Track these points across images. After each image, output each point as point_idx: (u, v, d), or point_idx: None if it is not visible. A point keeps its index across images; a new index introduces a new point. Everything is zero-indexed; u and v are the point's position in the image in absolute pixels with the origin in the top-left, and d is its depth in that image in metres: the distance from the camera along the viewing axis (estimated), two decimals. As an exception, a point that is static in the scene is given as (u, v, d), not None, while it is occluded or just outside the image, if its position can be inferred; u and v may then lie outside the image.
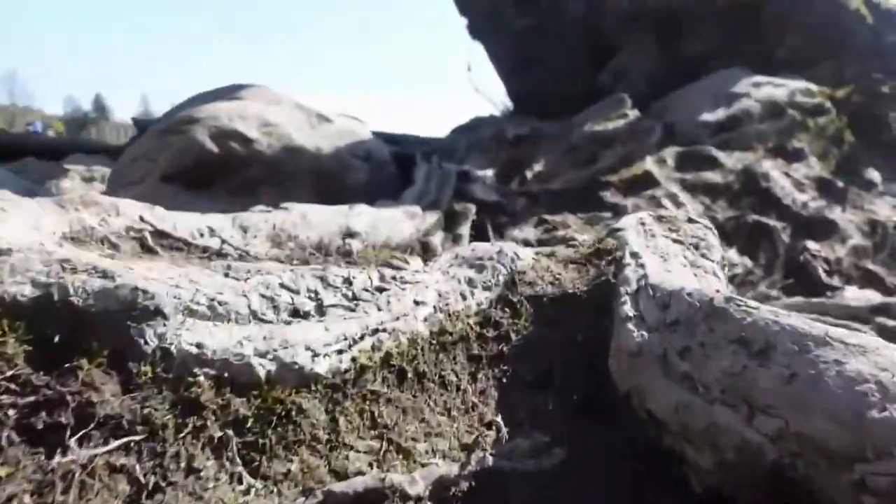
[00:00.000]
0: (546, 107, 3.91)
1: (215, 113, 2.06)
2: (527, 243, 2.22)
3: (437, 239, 1.88)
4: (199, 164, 1.97)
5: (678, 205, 2.28)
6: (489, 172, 2.80)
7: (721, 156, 2.60)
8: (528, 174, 2.83)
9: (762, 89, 2.88)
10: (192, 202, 2.00)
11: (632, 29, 3.86)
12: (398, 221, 1.74)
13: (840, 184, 2.54)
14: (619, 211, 2.30)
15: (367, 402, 0.84)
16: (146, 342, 0.71)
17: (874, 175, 2.72)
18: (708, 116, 2.77)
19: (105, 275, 0.74)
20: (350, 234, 1.54)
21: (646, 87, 3.75)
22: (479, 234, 2.09)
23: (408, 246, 1.79)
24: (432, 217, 1.92)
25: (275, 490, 0.73)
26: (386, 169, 2.16)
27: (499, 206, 2.27)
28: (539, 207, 2.36)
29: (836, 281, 2.16)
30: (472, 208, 2.03)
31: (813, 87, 2.95)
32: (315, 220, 1.47)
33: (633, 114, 3.24)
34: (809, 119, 2.81)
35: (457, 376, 0.93)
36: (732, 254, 2.22)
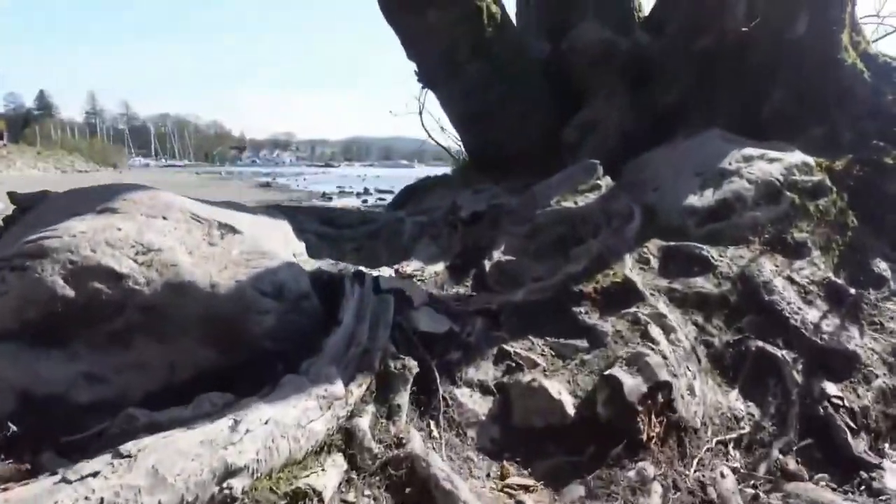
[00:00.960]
0: (506, 162, 3.48)
1: (73, 241, 1.55)
2: (484, 389, 1.78)
3: (365, 421, 1.42)
4: (49, 315, 1.46)
5: (667, 330, 1.86)
6: (440, 266, 2.35)
7: (713, 254, 2.19)
8: (487, 264, 2.39)
9: (754, 165, 2.49)
10: (40, 364, 1.50)
11: (601, 75, 3.45)
12: (306, 420, 1.27)
13: (851, 290, 2.16)
14: (595, 338, 1.87)
15: None
16: None
17: (883, 267, 2.36)
18: (695, 200, 2.36)
19: None
20: (231, 472, 1.07)
21: (616, 143, 3.34)
22: (422, 389, 1.64)
23: (323, 445, 1.32)
24: (359, 389, 1.45)
25: None
26: (304, 305, 1.68)
27: (451, 337, 1.82)
28: (500, 329, 1.93)
29: (863, 440, 1.78)
30: (413, 367, 1.57)
31: (810, 160, 2.57)
32: (175, 469, 1.00)
33: (606, 183, 2.82)
34: (809, 202, 2.43)
35: None
36: (736, 401, 1.81)
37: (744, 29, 3.41)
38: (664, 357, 1.72)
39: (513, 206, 2.76)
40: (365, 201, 22.69)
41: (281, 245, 1.96)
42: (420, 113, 3.72)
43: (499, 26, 3.29)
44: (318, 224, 2.60)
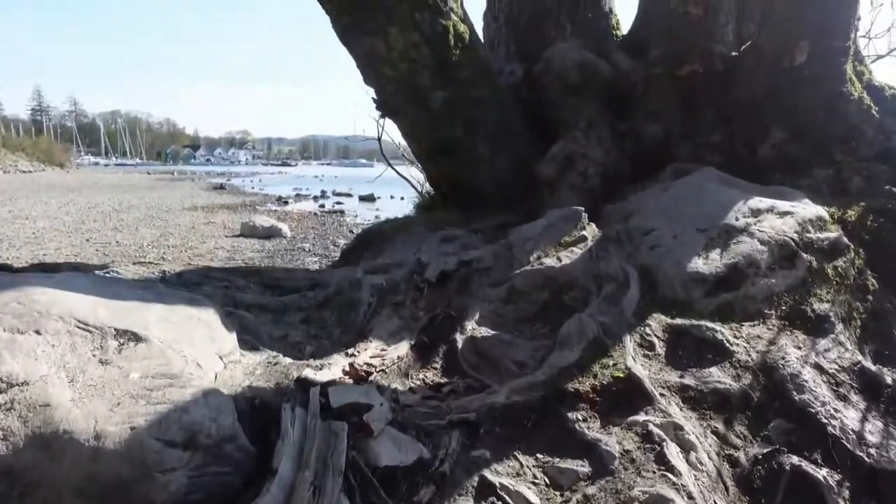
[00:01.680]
0: (475, 198, 3.11)
1: None
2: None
3: None
4: None
5: (686, 448, 1.52)
6: (403, 347, 1.96)
7: (727, 336, 1.86)
8: (459, 340, 2.02)
9: (764, 221, 2.16)
10: None
11: (579, 103, 3.10)
12: None
13: (888, 379, 1.84)
14: (599, 460, 1.51)
15: None
16: None
17: (908, 338, 2.07)
18: (701, 265, 2.02)
19: None
20: None
21: (598, 180, 3.00)
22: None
23: None
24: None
25: None
26: (227, 451, 1.28)
27: (420, 468, 1.44)
28: (480, 444, 1.56)
29: None
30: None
31: (824, 213, 2.26)
32: None
33: (591, 232, 2.47)
34: (827, 263, 2.12)
35: None
36: (775, 543, 1.48)
37: (734, 54, 3.11)
38: (689, 497, 1.36)
39: (486, 261, 2.39)
40: (322, 206, 22.14)
41: (203, 347, 1.55)
42: (379, 140, 3.30)
43: (467, 48, 2.90)
44: (259, 292, 2.19)
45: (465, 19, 2.98)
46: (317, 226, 15.09)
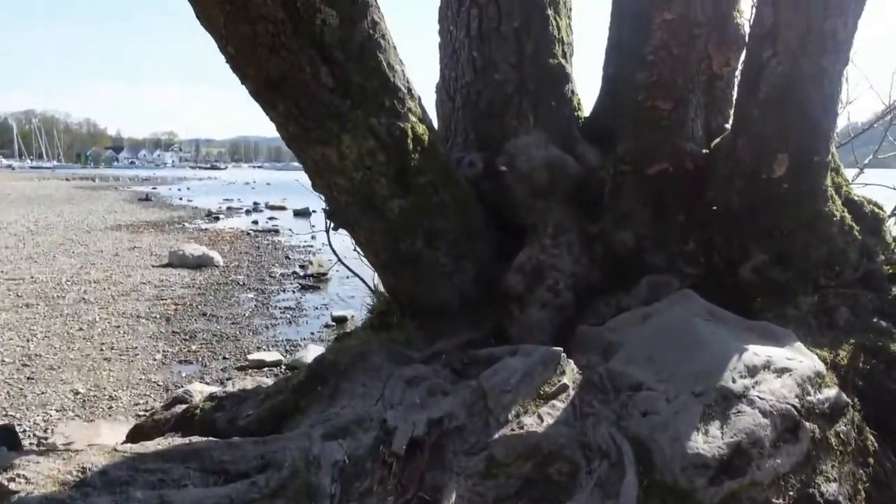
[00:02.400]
0: (436, 311, 2.86)
1: None
2: None
3: None
4: None
5: None
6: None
7: (739, 543, 1.67)
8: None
9: (763, 383, 2.00)
10: None
11: (547, 208, 2.89)
12: None
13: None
14: None
15: None
16: None
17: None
18: (701, 445, 1.83)
19: None
20: None
21: (569, 295, 2.80)
22: None
23: None
24: None
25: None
26: None
27: None
28: None
29: None
30: None
31: (821, 367, 2.12)
32: None
33: (572, 378, 2.26)
34: (829, 429, 1.97)
35: None
36: None
37: (704, 151, 2.97)
38: None
39: (459, 417, 2.14)
40: (255, 222, 21.48)
41: None
42: (329, 244, 3.00)
43: (426, 151, 2.65)
44: (200, 481, 1.87)
45: (424, 117, 2.72)
46: (250, 250, 14.52)
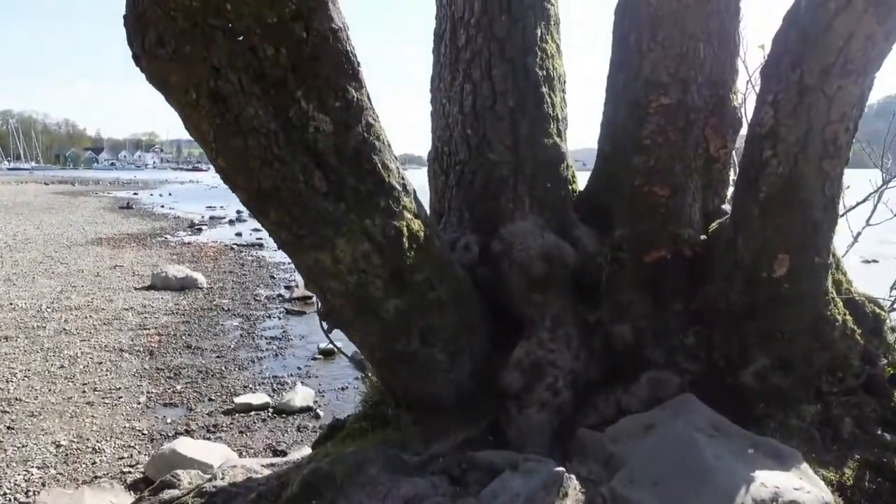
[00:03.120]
0: (432, 405, 2.80)
1: None
2: None
3: None
4: None
5: None
6: None
7: None
8: None
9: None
10: None
11: (545, 300, 2.84)
12: None
13: None
14: None
15: None
16: None
17: None
18: None
19: None
20: None
21: (568, 394, 2.75)
22: None
23: None
24: None
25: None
26: None
27: None
28: None
29: None
30: None
31: (829, 496, 2.09)
32: None
33: (574, 497, 2.21)
34: (838, 570, 1.94)
35: None
36: None
37: (703, 237, 2.94)
38: None
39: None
40: (239, 234, 21.32)
41: None
42: (327, 336, 2.93)
43: (422, 247, 2.59)
44: None
45: (419, 212, 2.66)
46: (235, 268, 14.36)
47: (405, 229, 2.57)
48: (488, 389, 2.82)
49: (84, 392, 6.78)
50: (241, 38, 2.12)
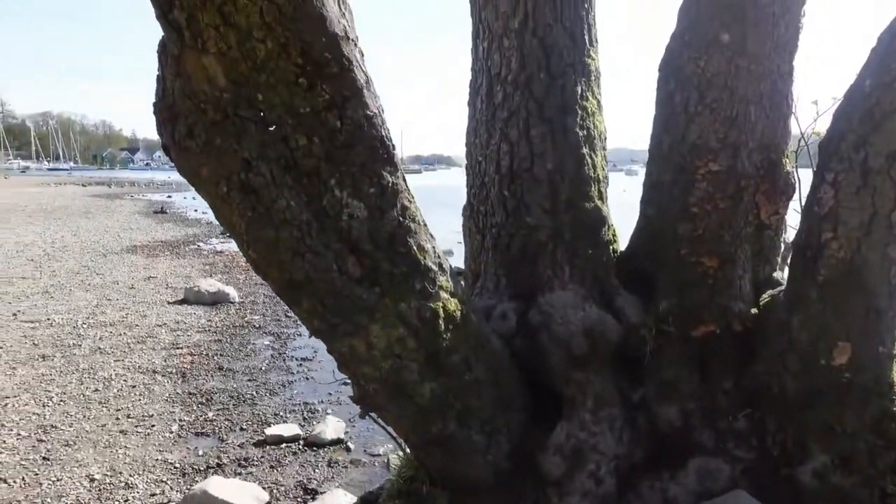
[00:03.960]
0: (469, 490, 2.70)
1: None
2: None
3: None
4: None
5: None
6: None
7: None
8: None
9: None
10: None
11: (586, 379, 2.72)
12: None
13: None
14: None
15: None
16: None
17: None
18: None
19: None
20: None
21: (612, 481, 2.63)
22: None
23: None
24: None
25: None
26: None
27: None
28: None
29: None
30: None
31: None
32: None
33: None
34: None
35: None
36: None
37: (753, 310, 2.79)
38: None
39: None
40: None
41: None
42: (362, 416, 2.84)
43: (458, 327, 2.49)
44: None
45: (456, 289, 2.56)
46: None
47: (441, 311, 2.48)
48: (527, 470, 2.71)
49: (118, 419, 6.81)
50: (272, 128, 2.03)
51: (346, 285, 2.27)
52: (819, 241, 2.38)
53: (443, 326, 2.48)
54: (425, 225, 2.48)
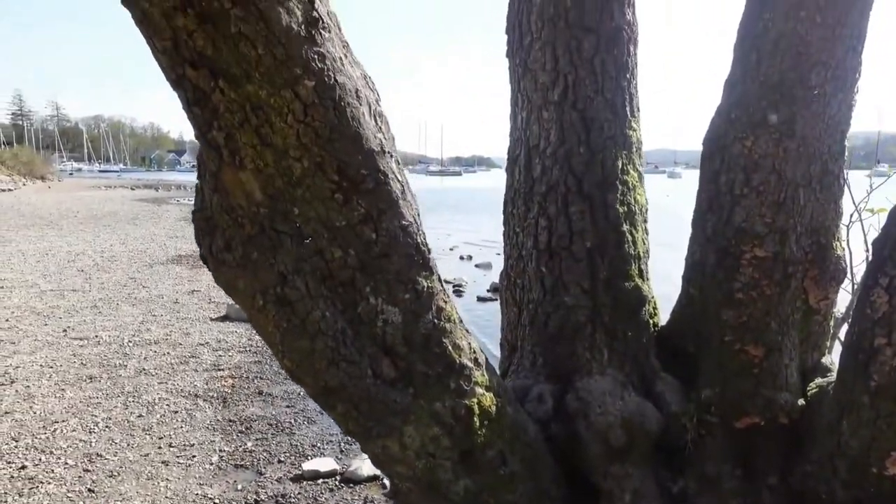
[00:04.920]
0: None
1: None
2: None
3: None
4: None
5: None
6: None
7: None
8: None
9: None
10: None
11: (625, 473, 2.66)
12: None
13: None
14: None
15: None
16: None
17: None
18: None
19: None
20: None
21: (650, 583, 2.56)
22: None
23: None
24: None
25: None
26: None
27: None
28: None
29: None
30: None
31: None
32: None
33: None
34: None
35: None
36: None
37: (801, 402, 2.69)
38: None
39: None
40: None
41: None
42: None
43: (494, 421, 2.46)
44: None
45: (491, 383, 2.53)
46: (306, 295, 14.51)
47: (476, 407, 2.45)
48: (562, 564, 2.66)
49: (160, 447, 6.95)
50: (308, 240, 2.03)
51: (381, 389, 2.26)
52: (872, 346, 2.27)
53: (477, 423, 2.45)
54: (461, 321, 2.45)
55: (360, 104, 1.99)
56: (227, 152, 1.96)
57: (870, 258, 2.37)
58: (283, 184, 1.99)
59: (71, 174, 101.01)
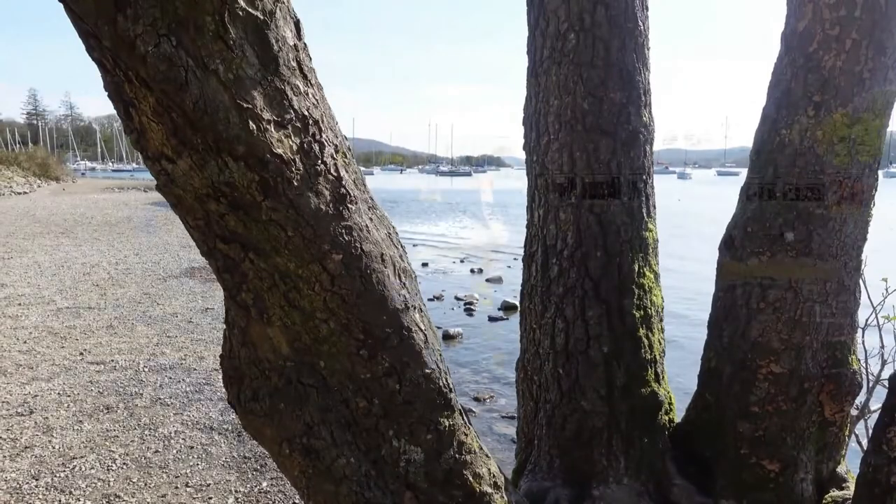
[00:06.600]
0: None
1: None
2: None
3: None
4: None
5: None
6: None
7: None
8: None
9: None
10: None
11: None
12: None
13: None
14: None
15: None
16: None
17: None
18: None
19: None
20: None
21: None
22: None
23: None
24: None
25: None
26: None
27: None
28: None
29: None
30: None
31: None
32: None
33: None
34: None
35: None
36: None
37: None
38: None
39: None
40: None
41: None
42: None
43: (510, 535, 2.50)
44: None
45: (510, 500, 2.57)
46: (318, 314, 14.58)
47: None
48: None
49: (177, 487, 7.03)
50: (334, 390, 2.09)
51: (403, 521, 2.30)
52: (888, 482, 2.30)
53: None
54: (481, 449, 2.49)
55: (385, 266, 2.04)
56: (256, 311, 2.01)
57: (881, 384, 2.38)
58: (310, 340, 2.04)
59: (84, 174, 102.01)
